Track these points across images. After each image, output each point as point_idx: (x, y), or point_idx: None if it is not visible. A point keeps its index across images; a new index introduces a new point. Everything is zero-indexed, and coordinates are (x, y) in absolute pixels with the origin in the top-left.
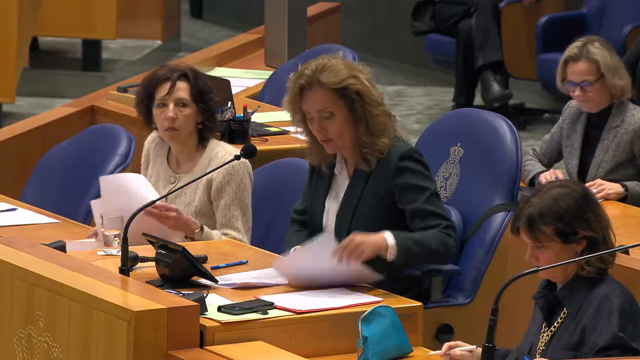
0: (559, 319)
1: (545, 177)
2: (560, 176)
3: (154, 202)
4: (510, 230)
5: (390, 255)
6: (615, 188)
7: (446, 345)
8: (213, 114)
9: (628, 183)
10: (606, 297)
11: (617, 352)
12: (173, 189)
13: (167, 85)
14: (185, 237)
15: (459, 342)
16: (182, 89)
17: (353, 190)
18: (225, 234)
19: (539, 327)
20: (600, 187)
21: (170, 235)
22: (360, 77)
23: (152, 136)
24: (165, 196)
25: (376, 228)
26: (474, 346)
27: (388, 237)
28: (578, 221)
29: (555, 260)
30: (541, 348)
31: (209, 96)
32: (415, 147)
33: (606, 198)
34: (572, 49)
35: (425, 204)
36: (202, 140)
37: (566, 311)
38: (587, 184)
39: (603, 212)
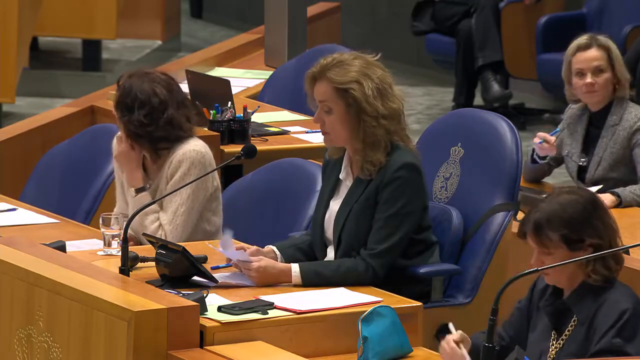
0: (569, 327)
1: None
2: (549, 138)
3: (152, 203)
4: (517, 235)
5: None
6: (607, 198)
7: (458, 334)
8: (147, 125)
9: (619, 190)
10: (615, 301)
11: (609, 355)
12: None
13: None
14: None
15: (455, 336)
16: (114, 100)
17: (353, 194)
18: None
19: (546, 334)
20: None
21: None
22: (364, 85)
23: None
24: (158, 200)
25: (367, 229)
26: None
27: (294, 268)
28: (585, 228)
29: (562, 267)
30: (552, 357)
31: (135, 107)
32: (418, 162)
33: None
34: (580, 40)
35: (386, 220)
36: (155, 150)
37: (576, 318)
38: None
39: (611, 219)
